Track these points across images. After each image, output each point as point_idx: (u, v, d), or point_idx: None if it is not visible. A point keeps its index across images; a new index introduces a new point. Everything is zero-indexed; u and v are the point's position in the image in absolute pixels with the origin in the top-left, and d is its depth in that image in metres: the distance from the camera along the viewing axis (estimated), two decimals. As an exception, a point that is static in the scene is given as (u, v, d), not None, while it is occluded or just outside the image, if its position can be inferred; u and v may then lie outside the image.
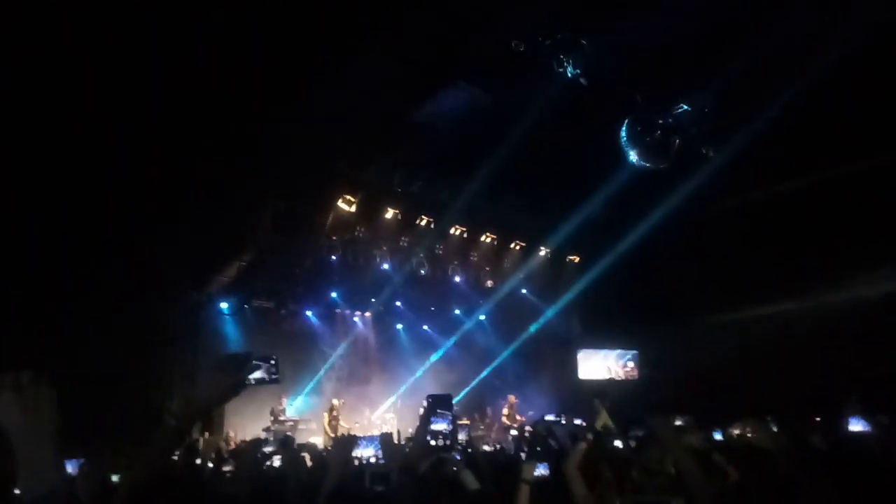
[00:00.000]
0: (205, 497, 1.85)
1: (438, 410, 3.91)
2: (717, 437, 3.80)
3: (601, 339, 17.58)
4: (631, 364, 17.81)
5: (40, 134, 8.61)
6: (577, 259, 17.51)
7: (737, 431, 3.21)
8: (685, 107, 11.00)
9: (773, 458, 2.93)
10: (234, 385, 1.87)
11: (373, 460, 4.16)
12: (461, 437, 11.55)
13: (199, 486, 1.85)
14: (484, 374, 16.37)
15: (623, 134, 10.93)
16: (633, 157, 11.05)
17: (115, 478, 3.31)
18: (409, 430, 12.72)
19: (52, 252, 9.33)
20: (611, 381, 17.35)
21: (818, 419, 5.75)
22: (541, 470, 3.13)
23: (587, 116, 10.95)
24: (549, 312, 17.18)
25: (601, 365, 17.74)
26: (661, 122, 11.02)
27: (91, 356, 9.36)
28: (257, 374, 1.96)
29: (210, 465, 5.00)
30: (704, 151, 11.68)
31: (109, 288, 10.10)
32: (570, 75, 9.84)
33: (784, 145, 11.31)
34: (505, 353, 16.64)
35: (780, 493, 2.70)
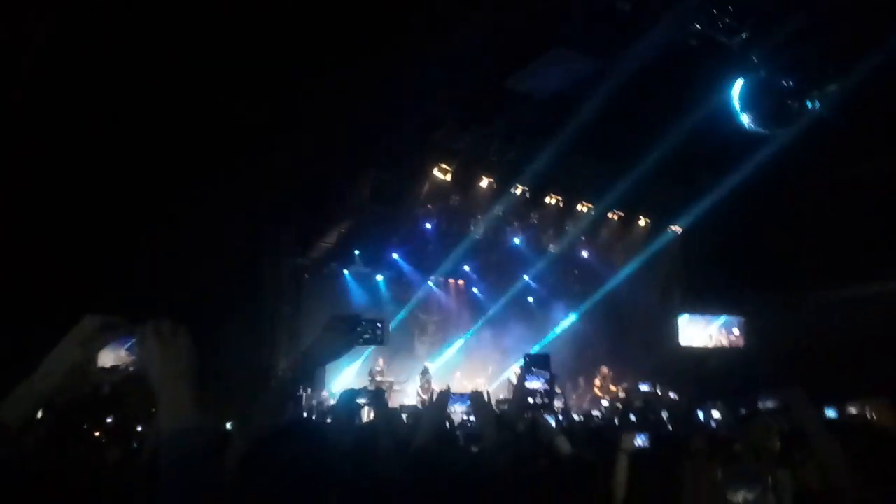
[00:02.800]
0: (315, 448, 1.96)
1: (534, 369, 3.94)
2: (831, 414, 3.59)
3: (705, 304, 16.62)
4: (736, 332, 16.81)
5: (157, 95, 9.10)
6: (678, 229, 16.78)
7: (854, 410, 3.02)
8: (807, 66, 10.16)
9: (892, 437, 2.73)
10: (345, 344, 1.97)
11: (463, 418, 4.26)
12: (557, 404, 11.57)
13: (310, 436, 1.95)
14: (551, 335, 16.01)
15: (735, 96, 10.27)
16: (746, 121, 10.38)
17: (228, 426, 3.57)
18: (501, 396, 12.88)
19: (175, 220, 10.02)
20: (713, 350, 16.44)
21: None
22: (640, 440, 3.08)
23: (697, 78, 10.35)
24: (644, 280, 16.66)
25: (703, 332, 16.84)
26: (778, 84, 10.26)
27: (204, 316, 10.04)
28: (366, 335, 2.04)
29: (314, 417, 5.32)
30: (823, 115, 10.77)
31: (222, 251, 10.76)
32: (679, 36, 9.31)
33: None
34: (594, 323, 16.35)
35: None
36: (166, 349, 1.51)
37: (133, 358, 1.55)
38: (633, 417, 6.37)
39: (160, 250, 9.91)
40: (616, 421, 7.43)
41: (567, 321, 16.52)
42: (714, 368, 15.34)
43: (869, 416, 2.96)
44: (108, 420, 6.83)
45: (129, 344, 1.55)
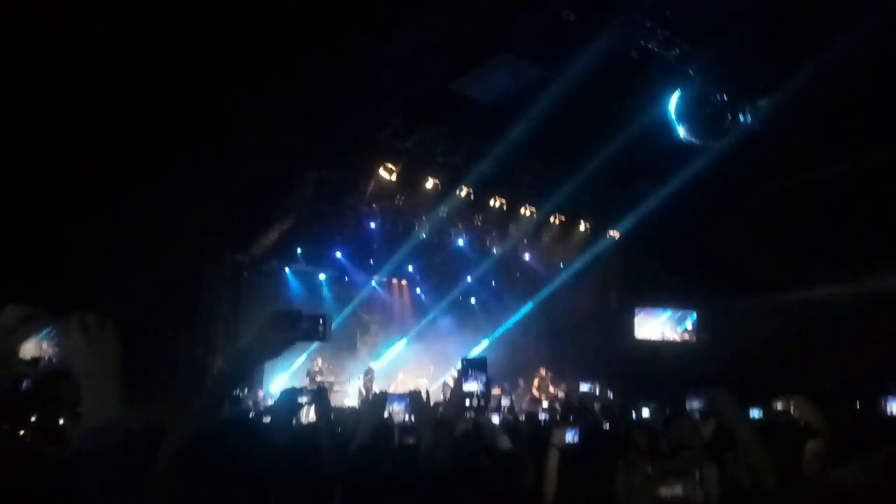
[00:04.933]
0: (251, 446, 1.93)
1: (471, 372, 3.99)
2: (756, 414, 3.78)
3: (658, 298, 16.99)
4: (690, 326, 17.16)
5: (93, 97, 8.81)
6: (617, 235, 17.23)
7: (779, 406, 3.18)
8: (740, 80, 10.62)
9: (816, 434, 2.90)
10: (286, 340, 1.93)
11: (403, 418, 4.28)
12: (504, 402, 11.72)
13: (246, 435, 1.92)
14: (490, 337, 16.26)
15: (672, 107, 10.64)
16: (681, 132, 10.77)
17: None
18: (440, 397, 12.94)
19: (112, 213, 9.66)
20: (667, 343, 16.79)
21: (858, 401, 5.66)
22: (571, 436, 3.16)
23: (637, 88, 10.68)
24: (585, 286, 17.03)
25: (656, 328, 17.12)
26: (713, 96, 10.68)
27: (140, 312, 9.71)
28: (307, 330, 2.01)
29: (251, 415, 5.22)
30: (755, 128, 11.28)
31: (159, 246, 10.43)
32: (620, 47, 9.59)
33: (844, 122, 10.86)
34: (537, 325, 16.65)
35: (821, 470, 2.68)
36: (92, 343, 1.45)
37: (56, 350, 1.49)
38: (570, 418, 6.53)
39: (96, 243, 9.55)
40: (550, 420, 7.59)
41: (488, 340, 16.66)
42: (665, 363, 15.65)
43: (792, 412, 3.13)
44: (33, 419, 6.51)
45: (51, 335, 1.50)
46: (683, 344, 16.73)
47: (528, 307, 16.64)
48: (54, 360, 1.49)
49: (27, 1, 7.44)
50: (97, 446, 1.40)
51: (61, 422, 5.82)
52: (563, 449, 3.10)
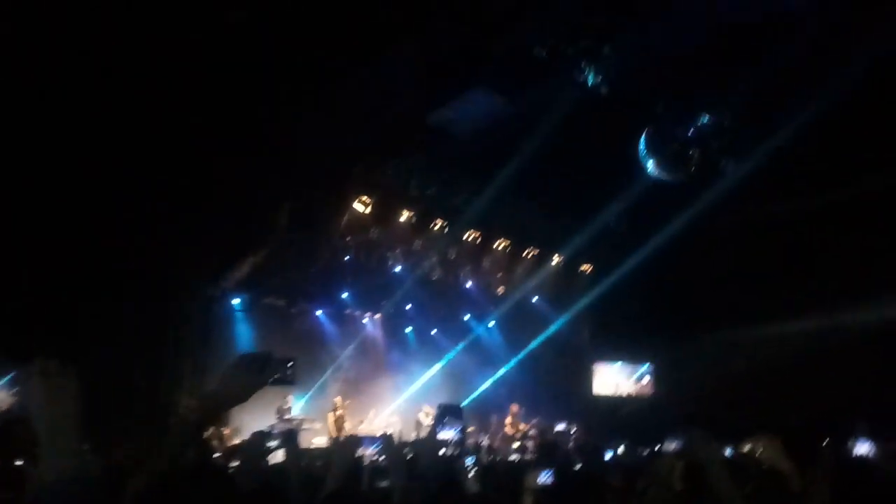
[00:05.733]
0: (218, 489, 1.87)
1: (447, 419, 3.94)
2: (728, 453, 3.78)
3: (614, 350, 17.39)
4: (646, 378, 17.51)
5: (61, 132, 8.70)
6: (589, 269, 17.44)
7: (747, 448, 3.20)
8: (706, 118, 10.92)
9: (784, 476, 2.91)
10: (254, 385, 1.90)
11: (375, 459, 4.18)
12: (484, 442, 11.61)
13: (212, 479, 1.86)
14: (491, 381, 16.38)
15: (642, 144, 10.89)
16: (650, 167, 11.00)
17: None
18: (412, 435, 12.74)
19: (70, 246, 9.44)
20: (625, 399, 17.14)
21: (827, 440, 5.70)
22: (544, 477, 3.13)
23: (606, 125, 10.92)
24: (560, 321, 17.13)
25: (615, 379, 17.47)
26: (680, 133, 10.96)
27: (104, 347, 9.45)
28: (276, 376, 1.98)
29: (216, 455, 5.06)
30: (723, 165, 11.59)
31: (124, 280, 10.21)
32: (590, 84, 9.82)
33: (806, 160, 11.21)
34: (513, 361, 16.65)
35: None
36: (52, 391, 1.41)
37: (12, 398, 1.45)
38: (545, 455, 6.47)
39: (64, 281, 9.30)
40: (524, 459, 7.52)
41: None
42: (626, 416, 15.98)
43: (758, 453, 3.14)
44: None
45: (5, 381, 1.45)
46: (639, 398, 17.07)
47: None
48: (13, 409, 1.45)
49: None
50: (55, 495, 1.36)
51: (19, 463, 5.59)
52: (537, 490, 3.06)
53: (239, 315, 13.54)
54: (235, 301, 13.45)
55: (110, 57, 8.08)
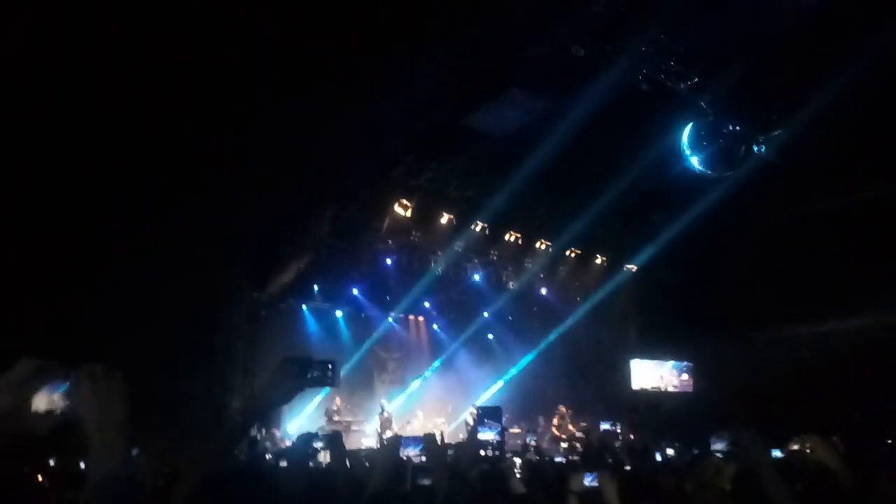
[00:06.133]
0: (265, 491, 1.93)
1: (486, 420, 3.95)
2: (776, 454, 3.67)
3: (655, 349, 17.13)
4: (686, 376, 17.26)
5: (106, 137, 9.00)
6: (634, 268, 17.16)
7: (795, 447, 3.10)
8: (752, 113, 10.65)
9: (835, 476, 2.82)
10: (294, 387, 1.95)
11: (416, 460, 4.23)
12: (530, 441, 11.58)
13: (260, 479, 1.92)
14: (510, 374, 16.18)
15: (685, 139, 10.67)
16: (694, 163, 10.78)
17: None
18: (461, 436, 12.76)
19: (124, 256, 9.79)
20: (665, 393, 16.87)
21: (889, 440, 5.50)
22: (589, 480, 3.10)
23: (649, 121, 10.74)
24: (605, 322, 16.96)
25: (654, 374, 17.24)
26: (726, 128, 10.71)
27: (156, 354, 9.77)
28: (316, 377, 2.03)
29: (268, 457, 5.20)
30: (769, 158, 11.27)
31: (176, 288, 10.53)
32: (631, 80, 9.68)
33: (856, 154, 10.81)
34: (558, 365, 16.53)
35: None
36: (99, 394, 1.49)
37: (67, 402, 1.53)
38: (590, 457, 6.40)
39: (113, 287, 9.66)
40: (572, 461, 7.44)
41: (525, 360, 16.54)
42: (666, 412, 15.72)
43: (808, 452, 3.04)
44: (51, 463, 6.52)
45: (63, 388, 1.54)
46: (679, 395, 16.74)
47: (546, 343, 16.50)
48: (66, 412, 1.53)
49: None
50: (103, 496, 1.42)
51: (82, 465, 5.83)
52: (582, 494, 3.03)
53: (285, 319, 13.81)
54: (282, 306, 13.72)
55: (162, 65, 8.32)
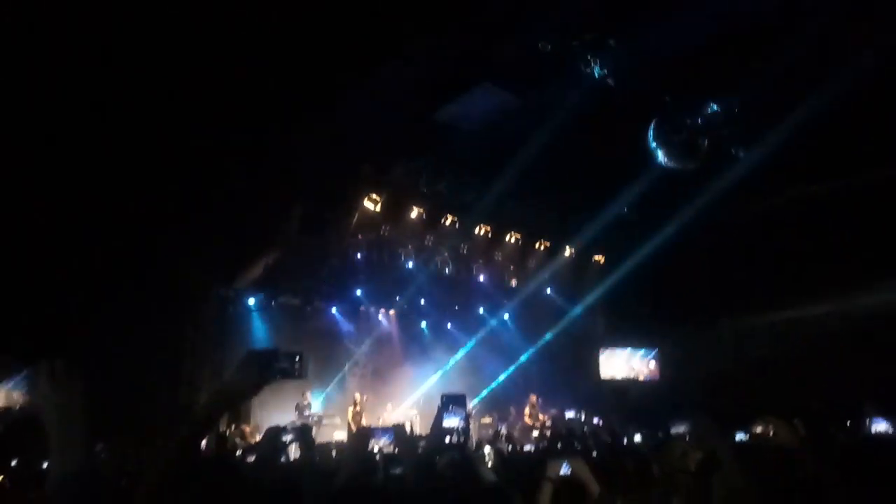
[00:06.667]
0: (231, 484, 1.91)
1: (451, 407, 3.99)
2: (740, 437, 3.78)
3: (623, 337, 17.44)
4: (653, 364, 17.58)
5: (73, 136, 8.82)
6: (602, 259, 17.40)
7: (759, 430, 3.19)
8: (714, 107, 10.84)
9: (796, 456, 2.91)
10: (261, 379, 1.93)
11: (387, 450, 4.25)
12: (502, 430, 11.67)
13: (227, 473, 1.91)
14: (507, 373, 16.44)
15: (651, 134, 10.83)
16: (660, 157, 10.95)
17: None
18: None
19: (86, 249, 9.57)
20: (632, 381, 17.19)
21: (847, 422, 5.68)
22: (566, 468, 3.11)
23: (614, 116, 10.87)
24: (574, 312, 17.16)
25: (623, 364, 17.53)
26: (689, 122, 10.89)
27: (121, 350, 9.59)
28: (283, 369, 2.02)
29: (238, 453, 5.14)
30: (733, 152, 11.51)
31: (141, 284, 10.34)
32: (597, 76, 9.78)
33: (814, 146, 11.10)
34: (528, 353, 16.71)
35: (803, 493, 2.69)
36: (59, 391, 1.46)
37: (26, 399, 1.51)
38: (559, 445, 6.47)
39: (78, 282, 9.44)
40: (542, 448, 7.52)
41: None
42: (634, 399, 16.01)
43: (771, 434, 3.13)
44: (13, 463, 6.37)
45: (21, 384, 1.51)
46: (645, 383, 17.08)
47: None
48: (24, 409, 1.50)
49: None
50: (65, 494, 1.40)
51: (45, 465, 5.71)
52: (558, 480, 3.05)
53: (254, 315, 13.66)
54: (250, 301, 13.57)
55: (125, 65, 8.18)
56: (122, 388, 8.22)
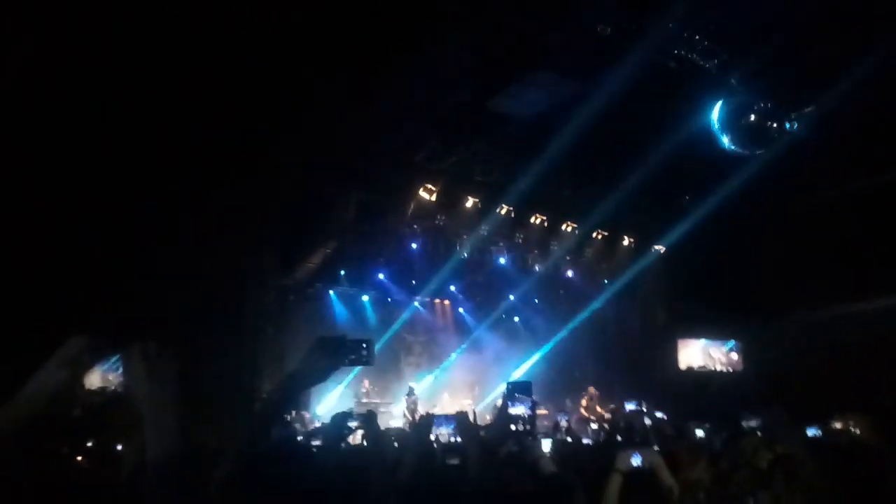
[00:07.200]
0: (299, 470, 1.95)
1: (517, 395, 3.94)
2: (813, 432, 3.62)
3: (698, 328, 16.73)
4: (735, 355, 16.77)
5: (130, 128, 9.13)
6: (662, 249, 16.92)
7: (838, 426, 3.04)
8: (784, 90, 10.39)
9: (877, 453, 2.76)
10: (330, 366, 1.95)
11: (449, 439, 4.25)
12: (562, 423, 11.56)
13: (294, 459, 1.94)
14: (536, 356, 16.22)
15: (715, 117, 10.45)
16: (726, 142, 10.57)
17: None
18: (487, 418, 12.80)
19: (161, 242, 9.97)
20: (715, 373, 16.51)
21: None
22: (636, 460, 3.05)
23: (678, 100, 10.53)
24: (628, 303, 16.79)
25: (701, 353, 16.83)
26: (756, 105, 10.46)
27: (187, 338, 9.93)
28: (352, 356, 2.03)
29: (300, 438, 5.27)
30: (802, 136, 10.98)
31: (206, 273, 10.68)
32: (658, 58, 9.49)
33: (892, 130, 10.49)
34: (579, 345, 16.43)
35: (884, 489, 2.56)
36: (152, 372, 1.51)
37: (120, 380, 1.56)
38: (619, 438, 6.36)
39: (147, 272, 9.84)
40: (600, 441, 7.41)
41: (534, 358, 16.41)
42: (715, 392, 15.43)
43: (853, 431, 2.99)
44: (89, 444, 6.70)
45: (116, 366, 1.57)
46: (729, 374, 16.39)
47: (573, 324, 16.39)
48: (119, 389, 1.56)
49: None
50: (159, 472, 1.45)
51: (119, 447, 5.97)
52: (627, 473, 2.99)
53: (312, 304, 13.94)
54: (309, 290, 13.85)
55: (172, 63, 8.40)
56: (189, 376, 8.53)
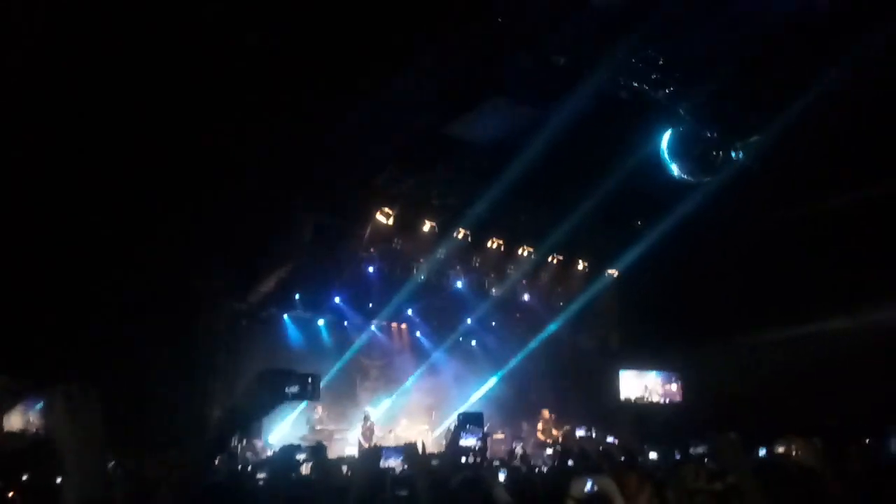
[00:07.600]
0: (244, 502, 1.88)
1: (468, 426, 3.92)
2: (762, 454, 3.70)
3: (641, 358, 17.07)
4: (674, 386, 17.10)
5: (83, 148, 8.87)
6: (615, 273, 17.23)
7: (781, 449, 3.11)
8: (730, 118, 10.77)
9: (818, 476, 2.83)
10: (274, 401, 1.91)
11: (398, 470, 4.20)
12: (518, 449, 11.53)
13: (239, 491, 1.88)
14: (493, 380, 16.29)
15: (664, 146, 10.77)
16: (674, 170, 10.88)
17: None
18: (443, 443, 12.70)
19: (100, 264, 9.63)
20: (655, 404, 16.79)
21: (867, 440, 5.56)
22: (590, 485, 3.03)
23: (629, 128, 10.82)
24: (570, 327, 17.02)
25: (640, 384, 17.14)
26: (704, 134, 10.82)
27: (135, 364, 9.61)
28: (295, 391, 1.99)
29: (248, 470, 5.13)
30: (747, 164, 11.40)
31: (154, 297, 10.39)
32: (610, 88, 9.76)
33: (836, 157, 10.98)
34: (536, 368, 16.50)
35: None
36: (75, 415, 1.44)
37: (42, 422, 1.49)
38: (570, 463, 6.38)
39: (91, 295, 9.49)
40: (554, 467, 7.42)
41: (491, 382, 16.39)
42: (655, 422, 15.70)
43: (794, 454, 3.06)
44: (24, 478, 6.37)
45: (38, 407, 1.50)
46: (669, 406, 16.69)
47: (529, 348, 16.47)
48: (41, 432, 1.49)
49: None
50: None
51: (58, 480, 5.69)
52: (581, 501, 2.98)
53: (266, 328, 13.69)
54: (263, 315, 13.60)
55: (139, 73, 8.24)
56: (136, 401, 8.23)
